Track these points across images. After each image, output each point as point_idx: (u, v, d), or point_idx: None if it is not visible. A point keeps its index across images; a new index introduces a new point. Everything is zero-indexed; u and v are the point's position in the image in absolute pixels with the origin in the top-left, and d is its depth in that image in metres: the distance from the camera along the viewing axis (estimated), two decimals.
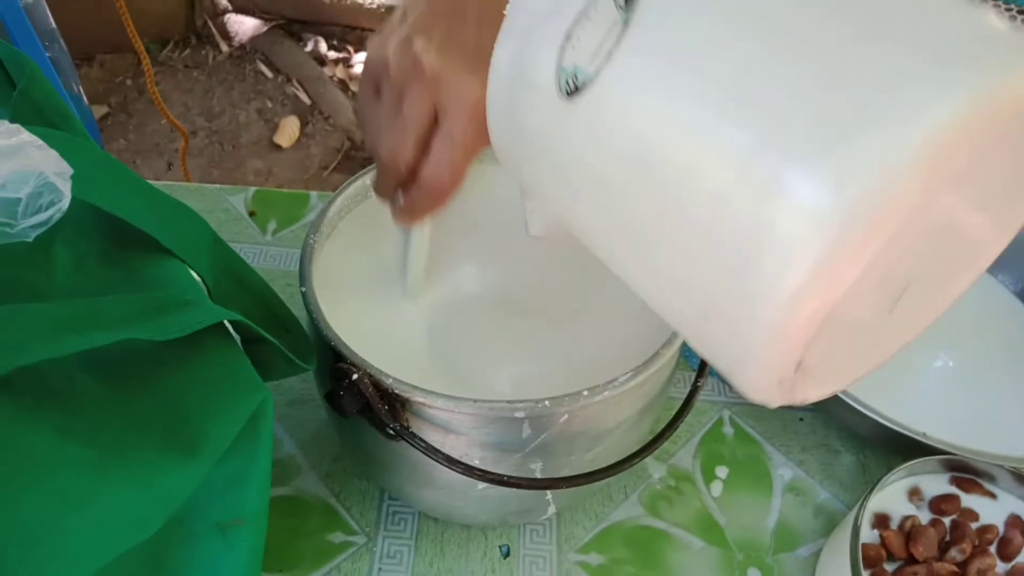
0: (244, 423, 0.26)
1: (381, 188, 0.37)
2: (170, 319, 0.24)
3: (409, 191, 0.36)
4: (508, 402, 0.34)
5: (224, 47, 2.31)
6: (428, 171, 0.35)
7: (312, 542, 0.45)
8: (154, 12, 2.25)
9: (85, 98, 0.83)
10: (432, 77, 0.33)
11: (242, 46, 2.31)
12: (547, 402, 0.34)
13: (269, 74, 2.24)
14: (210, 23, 2.33)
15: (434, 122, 0.34)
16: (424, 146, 0.35)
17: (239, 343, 0.31)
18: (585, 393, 0.35)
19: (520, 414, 0.34)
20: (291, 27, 2.36)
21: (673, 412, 0.40)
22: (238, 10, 2.36)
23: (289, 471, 0.48)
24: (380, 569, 0.44)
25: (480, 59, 0.34)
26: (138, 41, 0.93)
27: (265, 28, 2.33)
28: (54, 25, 0.74)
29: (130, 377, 0.23)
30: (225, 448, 0.24)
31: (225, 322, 0.29)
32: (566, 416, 0.35)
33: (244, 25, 2.34)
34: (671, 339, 0.38)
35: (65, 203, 0.21)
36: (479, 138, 0.34)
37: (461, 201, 0.47)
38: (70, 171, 0.21)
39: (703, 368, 0.41)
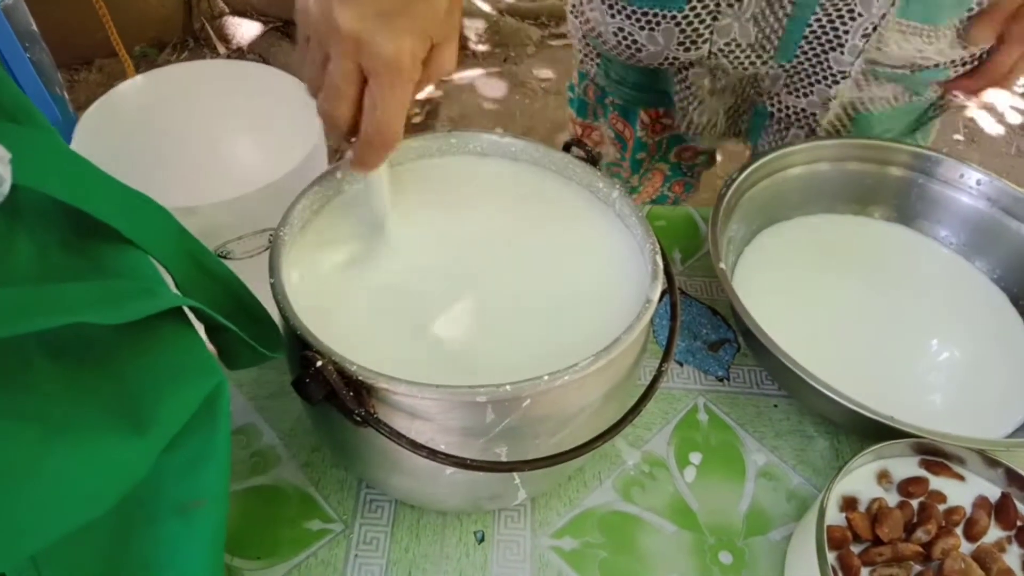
0: (199, 405, 0.26)
1: (331, 135, 0.39)
2: (125, 305, 0.25)
3: (355, 145, 0.38)
4: (470, 387, 0.35)
5: (222, 50, 2.32)
6: (366, 130, 0.37)
7: (290, 530, 0.46)
8: (152, 16, 2.27)
9: (70, 103, 0.84)
10: (351, 39, 0.34)
11: (239, 48, 2.32)
12: (508, 387, 0.35)
13: None
14: (208, 26, 2.35)
15: (363, 79, 0.35)
16: (358, 102, 0.36)
17: (202, 331, 0.32)
18: (546, 378, 0.36)
19: (482, 399, 0.35)
20: (287, 29, 2.36)
21: (656, 387, 0.41)
22: (235, 13, 2.38)
23: (269, 461, 0.49)
24: (356, 555, 0.45)
25: (400, 16, 0.34)
26: (122, 50, 0.94)
27: (262, 30, 2.34)
28: (35, 27, 0.75)
29: (85, 359, 0.24)
30: (177, 429, 0.25)
31: (186, 311, 0.30)
32: (528, 400, 0.36)
33: (241, 28, 2.36)
34: (632, 324, 0.38)
35: (5, 187, 0.22)
36: (406, 93, 0.36)
37: (433, 191, 0.48)
38: (8, 156, 0.22)
39: (667, 353, 0.42)
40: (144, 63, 2.28)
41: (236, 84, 0.54)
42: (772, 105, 0.70)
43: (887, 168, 0.64)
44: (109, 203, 0.29)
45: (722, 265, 0.53)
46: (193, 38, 2.36)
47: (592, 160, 0.48)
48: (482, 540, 0.46)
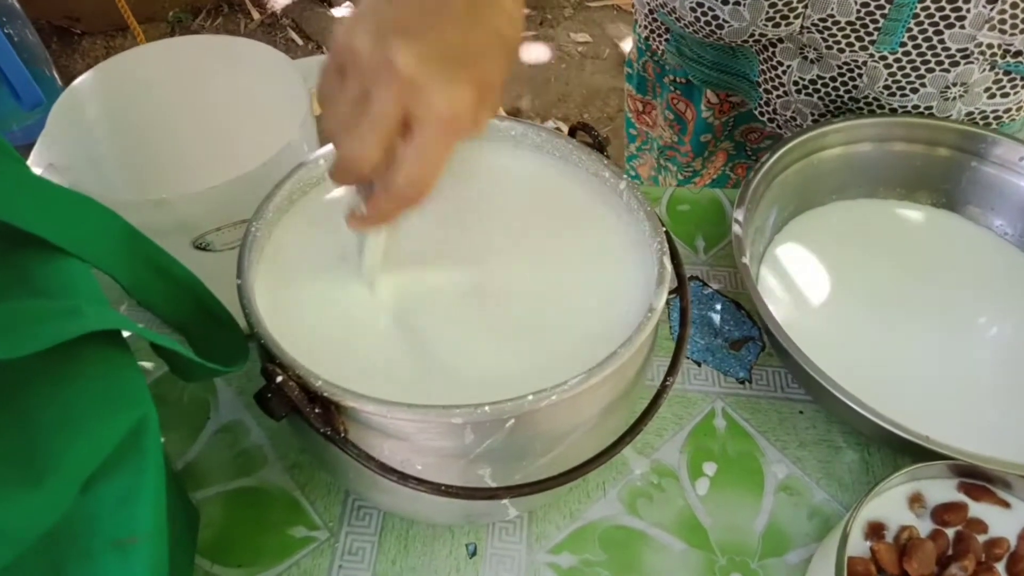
0: (121, 439, 0.24)
1: (339, 178, 0.34)
2: (29, 334, 0.22)
3: (373, 198, 0.33)
4: (444, 407, 0.32)
5: (255, 15, 2.29)
6: (396, 181, 0.32)
7: (273, 536, 0.44)
8: None
9: (59, 80, 0.82)
10: (408, 83, 0.30)
11: (273, 14, 2.30)
12: (487, 408, 0.32)
13: (300, 41, 2.22)
14: None
15: (402, 127, 0.31)
16: (389, 150, 0.32)
17: (143, 348, 0.29)
18: (530, 397, 0.32)
19: (458, 420, 0.32)
20: None
21: (657, 406, 0.37)
22: None
23: (255, 461, 0.47)
24: (341, 566, 0.43)
25: (464, 66, 0.31)
26: (132, 19, 0.92)
27: None
28: (14, 1, 0.72)
29: None
30: (90, 471, 0.22)
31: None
32: (512, 421, 0.33)
33: None
34: (631, 337, 0.34)
35: None
36: (450, 151, 0.32)
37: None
38: None
39: (673, 367, 0.38)
40: (179, 28, 2.27)
41: (224, 63, 0.51)
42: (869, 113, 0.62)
43: (936, 149, 0.57)
44: (33, 209, 0.26)
45: (744, 260, 0.48)
46: (227, 3, 2.34)
47: (599, 147, 0.43)
48: (474, 554, 0.44)
